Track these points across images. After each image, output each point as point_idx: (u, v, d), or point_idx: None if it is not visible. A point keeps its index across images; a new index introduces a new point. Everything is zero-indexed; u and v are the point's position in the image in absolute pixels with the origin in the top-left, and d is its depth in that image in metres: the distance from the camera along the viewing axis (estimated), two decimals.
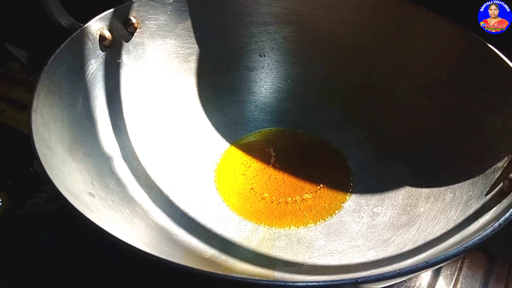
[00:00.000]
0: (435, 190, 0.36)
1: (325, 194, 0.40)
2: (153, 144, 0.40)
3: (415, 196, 0.37)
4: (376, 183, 0.39)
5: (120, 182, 0.35)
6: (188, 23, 0.43)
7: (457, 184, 0.35)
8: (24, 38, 0.54)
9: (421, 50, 0.41)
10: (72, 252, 0.36)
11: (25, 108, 0.47)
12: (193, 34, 0.44)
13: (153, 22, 0.41)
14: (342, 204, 0.38)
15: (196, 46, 0.44)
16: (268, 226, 0.37)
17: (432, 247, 0.29)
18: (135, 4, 0.40)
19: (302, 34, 0.45)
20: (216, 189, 0.40)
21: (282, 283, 0.20)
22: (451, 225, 0.31)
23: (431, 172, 0.38)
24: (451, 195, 0.34)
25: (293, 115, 0.46)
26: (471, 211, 0.31)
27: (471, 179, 0.34)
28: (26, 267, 0.35)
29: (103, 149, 0.36)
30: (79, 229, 0.35)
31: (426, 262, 0.22)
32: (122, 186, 0.35)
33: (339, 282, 0.21)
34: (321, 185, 0.40)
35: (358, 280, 0.21)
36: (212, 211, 0.38)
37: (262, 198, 0.39)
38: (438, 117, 0.39)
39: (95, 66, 0.37)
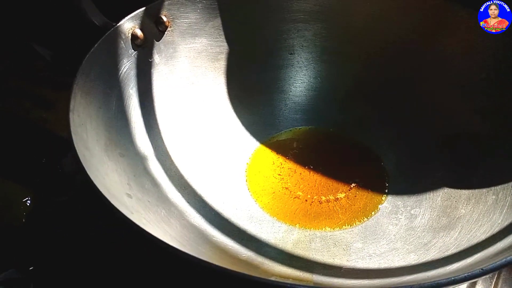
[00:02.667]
0: (475, 191, 0.35)
1: (359, 194, 0.39)
2: (185, 144, 0.40)
3: (454, 197, 0.36)
4: (412, 184, 0.39)
5: (155, 182, 0.35)
6: (218, 21, 0.43)
7: (499, 186, 0.34)
8: (49, 36, 0.55)
9: (458, 48, 0.40)
10: (100, 250, 0.36)
11: (51, 107, 0.48)
12: (222, 33, 0.43)
13: (184, 20, 0.41)
14: (379, 206, 0.38)
15: (225, 44, 0.44)
16: (302, 228, 0.36)
17: (478, 252, 0.28)
18: (166, 3, 0.40)
19: (333, 31, 0.44)
20: (248, 189, 0.40)
21: None
22: (496, 228, 0.30)
23: (470, 173, 0.37)
24: (494, 197, 0.33)
25: (324, 114, 0.45)
26: None
27: None
28: (53, 265, 0.35)
29: (137, 148, 0.36)
30: (107, 227, 0.36)
31: (482, 269, 0.21)
32: (157, 187, 0.35)
33: None
34: (353, 185, 0.40)
35: (412, 287, 0.20)
36: (245, 212, 0.38)
37: (296, 197, 0.39)
38: (477, 116, 0.38)
39: (127, 66, 0.37)
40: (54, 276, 0.35)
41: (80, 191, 0.40)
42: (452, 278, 0.21)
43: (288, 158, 0.42)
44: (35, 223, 0.38)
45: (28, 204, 0.38)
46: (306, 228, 0.36)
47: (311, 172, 0.41)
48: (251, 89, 0.45)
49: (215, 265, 0.20)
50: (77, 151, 0.27)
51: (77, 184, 0.41)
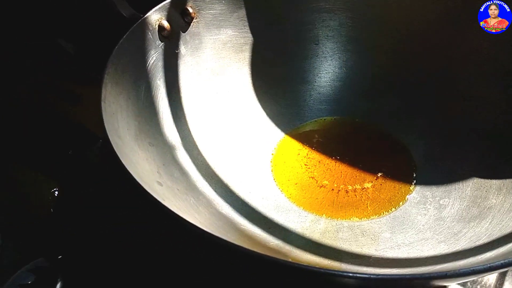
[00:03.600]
0: (507, 181, 0.34)
1: (386, 184, 0.39)
2: (211, 134, 0.41)
3: (484, 187, 0.35)
4: (441, 174, 0.38)
5: (183, 171, 0.35)
6: (243, 12, 0.43)
7: None
8: (73, 30, 0.55)
9: (486, 37, 0.39)
10: (126, 242, 0.36)
11: (76, 100, 0.48)
12: (247, 23, 0.43)
13: (209, 11, 0.41)
14: (407, 196, 0.37)
15: (250, 35, 0.44)
16: (329, 218, 0.36)
17: (510, 241, 0.28)
18: None
19: (359, 21, 0.44)
20: (274, 179, 0.40)
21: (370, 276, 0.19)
22: None
23: (501, 163, 0.36)
24: None
25: (349, 104, 0.45)
26: None
27: None
28: (81, 254, 0.36)
29: (165, 138, 0.36)
30: (132, 218, 0.36)
31: None
32: (186, 175, 0.35)
33: (427, 276, 0.20)
34: (380, 174, 0.39)
35: (447, 274, 0.20)
36: (272, 201, 0.38)
37: (322, 186, 0.39)
38: (507, 106, 0.37)
39: (155, 57, 0.38)
40: (82, 264, 0.35)
41: (105, 182, 0.41)
42: (489, 265, 0.21)
43: (313, 149, 0.42)
44: (62, 213, 0.38)
45: (56, 195, 0.39)
46: (333, 218, 0.36)
47: (337, 162, 0.41)
48: (276, 79, 0.45)
49: (258, 253, 0.21)
50: (110, 139, 0.28)
51: (102, 176, 0.42)
